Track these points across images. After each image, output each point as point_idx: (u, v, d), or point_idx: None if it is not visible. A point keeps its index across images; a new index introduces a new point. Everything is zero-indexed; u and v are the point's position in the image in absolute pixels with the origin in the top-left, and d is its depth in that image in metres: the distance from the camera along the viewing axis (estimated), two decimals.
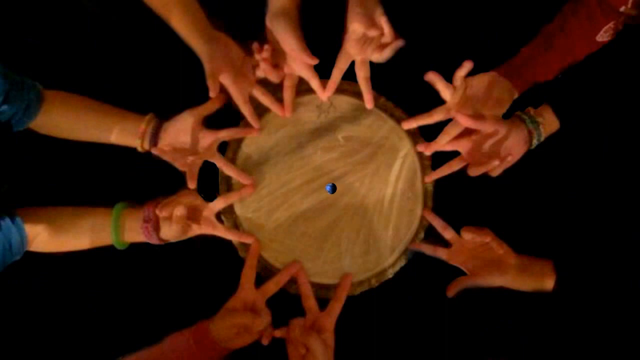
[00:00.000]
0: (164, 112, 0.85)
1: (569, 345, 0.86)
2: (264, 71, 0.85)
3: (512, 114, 0.86)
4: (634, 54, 0.84)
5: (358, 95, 0.89)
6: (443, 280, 0.86)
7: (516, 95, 0.85)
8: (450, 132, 0.87)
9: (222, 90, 0.83)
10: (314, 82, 0.86)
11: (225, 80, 0.82)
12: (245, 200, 0.88)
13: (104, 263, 0.86)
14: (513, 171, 0.85)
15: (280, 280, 0.84)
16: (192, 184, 0.84)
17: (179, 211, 0.80)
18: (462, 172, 0.88)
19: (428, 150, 0.89)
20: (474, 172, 0.85)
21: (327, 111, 0.92)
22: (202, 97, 0.83)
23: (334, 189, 0.89)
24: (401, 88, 0.92)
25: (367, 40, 0.80)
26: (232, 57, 0.83)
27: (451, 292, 0.85)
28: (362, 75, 0.85)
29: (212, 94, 0.81)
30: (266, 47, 0.82)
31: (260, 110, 0.89)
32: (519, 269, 0.83)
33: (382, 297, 0.90)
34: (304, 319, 0.82)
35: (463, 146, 0.87)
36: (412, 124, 0.89)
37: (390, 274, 0.90)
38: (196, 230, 0.84)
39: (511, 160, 0.84)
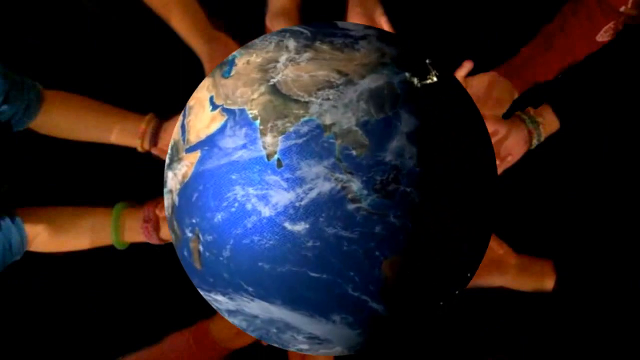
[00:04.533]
0: (164, 112, 0.85)
1: (568, 345, 0.86)
2: None
3: (512, 114, 0.86)
4: (634, 54, 0.84)
5: None
6: None
7: (516, 95, 0.85)
8: None
9: None
10: None
11: None
12: None
13: (104, 263, 0.86)
14: (513, 171, 0.85)
15: None
16: None
17: None
18: None
19: None
20: None
21: None
22: None
23: None
24: None
25: None
26: None
27: None
28: None
29: None
30: None
31: None
32: (519, 269, 0.83)
33: None
34: None
35: None
36: None
37: None
38: None
39: (511, 160, 0.84)
